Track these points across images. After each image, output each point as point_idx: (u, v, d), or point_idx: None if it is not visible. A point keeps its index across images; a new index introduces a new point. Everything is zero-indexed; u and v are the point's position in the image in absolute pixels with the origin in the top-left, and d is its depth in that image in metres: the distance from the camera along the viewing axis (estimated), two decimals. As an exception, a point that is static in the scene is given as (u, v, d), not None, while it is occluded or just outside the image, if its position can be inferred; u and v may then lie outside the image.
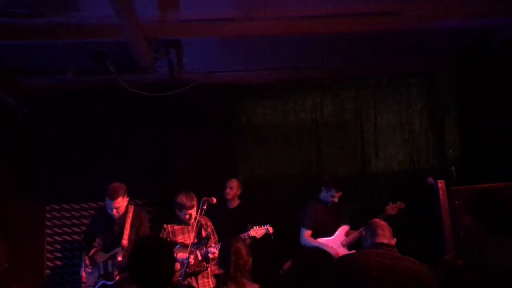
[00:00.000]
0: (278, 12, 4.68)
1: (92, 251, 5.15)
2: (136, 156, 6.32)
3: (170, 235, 5.12)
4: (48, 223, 6.49)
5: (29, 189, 6.32)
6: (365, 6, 4.67)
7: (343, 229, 5.59)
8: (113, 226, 5.09)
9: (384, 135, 6.73)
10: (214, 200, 4.88)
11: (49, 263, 6.43)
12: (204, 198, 4.83)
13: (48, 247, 6.45)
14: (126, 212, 5.09)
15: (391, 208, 5.61)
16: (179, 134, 6.48)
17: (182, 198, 5.05)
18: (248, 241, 5.42)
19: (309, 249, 4.30)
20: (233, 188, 5.97)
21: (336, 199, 5.51)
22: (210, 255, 4.92)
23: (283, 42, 5.41)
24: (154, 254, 2.75)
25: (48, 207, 6.51)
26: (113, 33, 4.57)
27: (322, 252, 2.92)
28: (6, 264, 5.75)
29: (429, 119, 6.74)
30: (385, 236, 3.50)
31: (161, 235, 5.12)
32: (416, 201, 6.29)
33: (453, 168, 6.09)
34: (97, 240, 5.23)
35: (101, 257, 5.09)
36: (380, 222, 3.66)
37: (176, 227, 5.18)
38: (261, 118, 6.70)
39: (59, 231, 6.47)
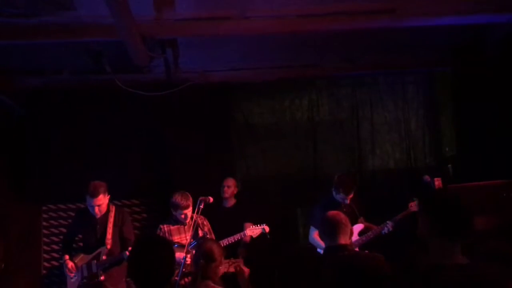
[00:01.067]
0: (274, 10, 4.68)
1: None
2: (133, 155, 6.31)
3: (167, 235, 5.11)
4: (44, 223, 6.48)
5: (26, 189, 6.30)
6: (360, 4, 4.67)
7: (356, 229, 5.36)
8: (95, 226, 5.08)
9: (381, 133, 6.75)
10: (211, 199, 4.87)
11: (46, 264, 6.42)
12: (201, 198, 4.82)
13: (45, 247, 6.44)
14: (108, 211, 5.10)
15: (415, 205, 5.37)
16: (175, 134, 6.47)
17: (177, 198, 5.04)
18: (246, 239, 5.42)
19: (298, 249, 4.24)
20: (230, 187, 5.96)
21: (347, 201, 5.38)
22: None
23: (279, 40, 5.41)
24: (155, 253, 2.73)
25: (44, 207, 6.49)
26: (108, 33, 4.55)
27: (310, 251, 2.91)
28: (3, 265, 5.72)
29: (425, 117, 6.76)
30: (340, 234, 3.27)
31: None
32: (412, 199, 6.31)
33: (449, 165, 6.11)
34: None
35: (83, 259, 5.08)
36: (338, 217, 3.38)
37: (172, 227, 5.17)
38: (257, 117, 6.71)
39: (56, 231, 6.46)
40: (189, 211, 5.04)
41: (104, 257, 4.97)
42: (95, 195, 4.92)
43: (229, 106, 6.67)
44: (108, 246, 5.01)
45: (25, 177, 6.31)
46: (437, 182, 5.26)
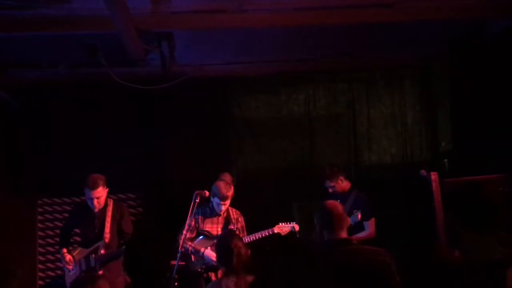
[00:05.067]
0: (271, 4, 4.66)
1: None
2: (129, 149, 6.29)
3: (199, 221, 5.06)
4: (40, 217, 6.46)
5: (21, 183, 6.28)
6: (358, -2, 4.67)
7: None
8: (94, 220, 5.04)
9: (377, 128, 6.73)
10: (207, 193, 4.87)
11: (41, 257, 6.40)
12: (196, 192, 4.80)
13: (40, 241, 6.42)
14: (106, 205, 5.06)
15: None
16: (172, 127, 6.46)
17: (220, 186, 4.93)
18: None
19: (303, 244, 4.20)
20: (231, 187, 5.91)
21: (330, 190, 5.54)
22: None
23: (276, 34, 5.38)
24: (152, 251, 2.75)
25: (40, 201, 6.47)
26: (104, 25, 4.53)
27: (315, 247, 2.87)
28: (-2, 260, 5.71)
29: (422, 112, 6.75)
30: (343, 227, 3.14)
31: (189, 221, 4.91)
32: (409, 193, 6.32)
33: (446, 160, 6.11)
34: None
35: (81, 253, 5.05)
36: (335, 208, 3.20)
37: (205, 215, 5.08)
38: (254, 111, 6.68)
39: (51, 225, 6.44)
40: (226, 204, 4.97)
41: (102, 251, 4.95)
42: (94, 187, 4.87)
43: (225, 100, 6.65)
44: (106, 240, 4.98)
45: (20, 171, 6.28)
46: (434, 176, 5.24)
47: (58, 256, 6.24)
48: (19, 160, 6.29)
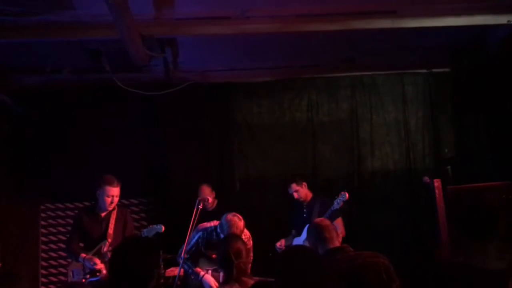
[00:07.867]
0: (274, 10, 4.68)
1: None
2: (132, 155, 6.29)
3: (204, 243, 4.88)
4: (43, 222, 6.47)
5: (24, 188, 6.29)
6: (360, 4, 4.67)
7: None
8: (100, 223, 5.07)
9: (380, 134, 6.70)
10: (210, 199, 4.86)
11: (43, 263, 6.41)
12: (199, 198, 4.81)
13: (43, 246, 6.43)
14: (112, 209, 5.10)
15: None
16: (174, 133, 6.46)
17: (232, 225, 4.50)
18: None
19: (290, 248, 4.13)
20: (210, 197, 5.70)
21: (295, 195, 5.72)
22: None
23: (279, 40, 5.40)
24: (134, 253, 2.74)
25: (43, 207, 6.49)
26: (108, 31, 4.56)
27: (303, 251, 2.88)
28: (0, 264, 5.71)
29: (424, 118, 6.72)
30: (334, 238, 3.33)
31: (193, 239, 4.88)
32: (411, 200, 6.31)
33: (449, 167, 6.09)
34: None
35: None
36: (322, 223, 3.47)
37: (212, 240, 4.85)
38: (256, 117, 6.67)
39: (54, 230, 6.45)
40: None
41: (105, 249, 4.94)
42: (117, 185, 4.96)
43: (228, 106, 6.63)
44: (109, 240, 4.99)
45: (24, 176, 6.29)
46: (437, 183, 5.24)
47: (61, 261, 6.29)
48: (22, 165, 6.30)
